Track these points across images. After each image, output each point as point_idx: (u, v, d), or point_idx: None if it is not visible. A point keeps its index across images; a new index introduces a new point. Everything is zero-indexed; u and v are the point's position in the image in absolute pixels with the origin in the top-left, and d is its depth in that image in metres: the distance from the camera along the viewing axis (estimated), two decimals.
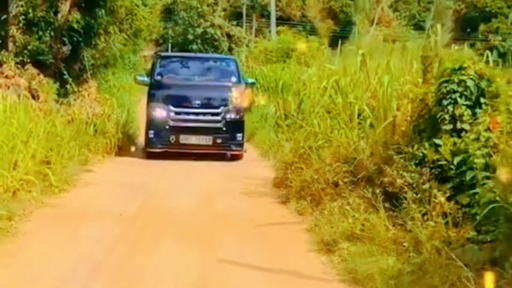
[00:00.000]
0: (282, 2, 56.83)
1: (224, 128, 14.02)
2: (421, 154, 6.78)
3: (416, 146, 6.90)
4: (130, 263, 6.16)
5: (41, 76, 12.77)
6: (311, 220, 7.62)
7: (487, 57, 8.46)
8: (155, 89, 14.59)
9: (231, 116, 14.11)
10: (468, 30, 52.75)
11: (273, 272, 5.96)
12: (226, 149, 14.15)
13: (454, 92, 6.71)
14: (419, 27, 69.19)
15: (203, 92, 14.48)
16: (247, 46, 38.00)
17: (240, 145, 14.21)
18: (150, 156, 13.79)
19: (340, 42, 18.20)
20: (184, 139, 13.90)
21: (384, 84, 8.43)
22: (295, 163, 9.34)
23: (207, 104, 14.22)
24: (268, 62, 27.79)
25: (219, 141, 13.95)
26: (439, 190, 6.32)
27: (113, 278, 5.68)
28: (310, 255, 6.57)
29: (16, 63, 12.63)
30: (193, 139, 13.95)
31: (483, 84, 6.70)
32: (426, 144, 6.78)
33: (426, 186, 6.47)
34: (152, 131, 13.99)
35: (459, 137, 6.55)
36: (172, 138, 13.86)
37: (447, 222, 6.00)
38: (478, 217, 5.76)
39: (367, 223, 6.59)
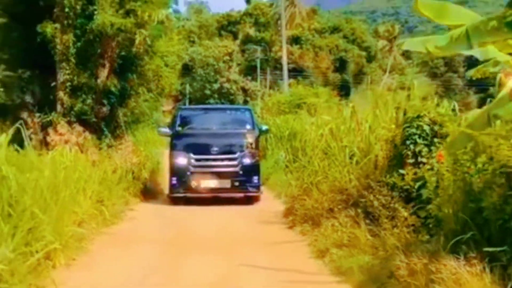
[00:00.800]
0: (295, 54, 59.64)
1: (241, 172, 14.98)
2: (391, 182, 9.02)
3: (388, 176, 9.16)
4: (173, 267, 8.41)
5: (86, 132, 15.23)
6: (312, 237, 9.83)
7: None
8: (176, 139, 15.65)
9: (247, 160, 15.08)
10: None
11: (280, 271, 8.14)
12: (243, 191, 15.16)
13: (414, 134, 8.99)
14: (432, 74, 71.89)
15: (221, 140, 15.49)
16: (261, 98, 40.61)
17: (257, 187, 15.22)
18: (174, 200, 15.11)
19: (352, 91, 20.54)
20: (205, 183, 14.95)
21: (367, 130, 10.72)
22: (300, 196, 11.60)
23: (224, 150, 15.20)
24: (281, 113, 30.00)
25: (237, 184, 14.96)
26: (404, 208, 8.55)
27: (161, 276, 7.94)
28: (309, 260, 8.79)
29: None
30: (213, 183, 14.99)
31: (436, 128, 8.98)
32: (395, 174, 9.03)
33: (395, 205, 8.70)
34: (174, 178, 15.07)
35: (419, 168, 8.79)
36: (193, 183, 14.90)
37: (412, 230, 8.19)
38: (430, 225, 7.96)
39: (352, 234, 8.80)
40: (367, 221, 8.95)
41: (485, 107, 7.28)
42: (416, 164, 8.88)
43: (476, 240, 6.09)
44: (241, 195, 15.29)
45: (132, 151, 15.92)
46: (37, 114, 15.62)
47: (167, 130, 16.68)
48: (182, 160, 15.10)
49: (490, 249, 5.65)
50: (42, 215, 7.53)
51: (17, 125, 9.44)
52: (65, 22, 15.38)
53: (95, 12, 15.30)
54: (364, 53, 66.76)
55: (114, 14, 15.34)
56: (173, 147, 15.64)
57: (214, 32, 62.24)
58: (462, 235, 6.18)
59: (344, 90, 50.04)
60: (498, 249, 5.63)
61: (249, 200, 15.22)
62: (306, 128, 16.06)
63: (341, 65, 61.19)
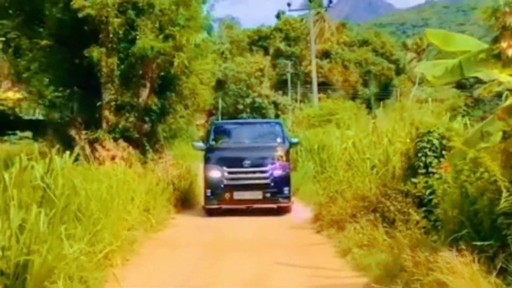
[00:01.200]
0: (325, 68, 60.96)
1: (272, 184, 15.63)
2: (406, 189, 10.22)
3: (403, 184, 10.35)
4: (214, 266, 9.69)
5: (130, 148, 16.62)
6: (336, 240, 11.04)
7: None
8: (210, 153, 16.42)
9: (277, 172, 15.67)
10: None
11: (308, 268, 9.39)
12: (274, 202, 15.82)
13: (425, 148, 10.18)
14: (460, 85, 72.43)
15: (252, 153, 16.15)
16: (292, 112, 41.91)
17: (287, 197, 15.80)
18: (209, 211, 15.89)
19: (382, 104, 21.63)
20: (237, 195, 15.62)
21: (386, 143, 11.95)
22: (326, 203, 12.81)
23: (256, 163, 15.82)
24: (311, 127, 31.28)
25: (268, 195, 15.61)
26: (416, 212, 9.74)
27: (204, 273, 9.23)
28: (334, 259, 10.01)
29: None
30: (245, 195, 15.64)
31: (444, 141, 10.16)
32: (409, 183, 10.22)
33: (409, 210, 9.89)
34: (209, 190, 15.84)
35: (429, 177, 9.97)
36: (227, 195, 15.64)
37: (424, 232, 9.35)
38: (438, 227, 9.13)
39: (371, 236, 10.00)
40: (385, 224, 10.14)
41: (480, 124, 8.44)
42: (427, 173, 10.07)
43: (471, 236, 7.26)
44: (273, 205, 15.96)
45: (172, 165, 17.26)
46: (84, 131, 17.09)
47: (201, 144, 17.48)
48: (216, 173, 15.86)
49: (479, 243, 6.83)
50: (104, 220, 8.87)
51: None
52: (110, 46, 16.85)
53: (137, 37, 16.73)
54: (393, 66, 67.79)
55: (154, 39, 16.73)
56: (207, 160, 16.36)
57: (245, 47, 63.76)
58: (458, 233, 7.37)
59: (373, 103, 51.13)
60: (486, 243, 6.80)
61: (280, 210, 15.90)
62: (333, 141, 17.23)
63: (369, 79, 62.27)
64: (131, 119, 17.39)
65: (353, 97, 55.72)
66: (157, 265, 9.70)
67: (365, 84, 64.60)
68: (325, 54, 65.91)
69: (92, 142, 16.73)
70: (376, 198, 10.83)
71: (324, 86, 60.40)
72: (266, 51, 65.02)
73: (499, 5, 7.31)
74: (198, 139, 27.08)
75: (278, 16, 71.67)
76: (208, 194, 15.89)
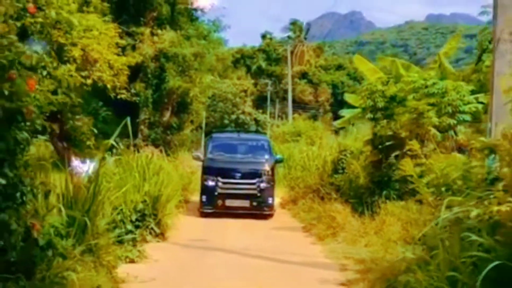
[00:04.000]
0: (297, 90, 69.77)
1: (258, 194, 18.26)
2: (331, 180, 18.81)
3: (330, 178, 18.93)
4: (219, 236, 18.06)
5: (156, 150, 25.06)
6: (292, 210, 19.51)
7: None
8: (207, 164, 19.03)
9: (263, 184, 18.36)
10: None
11: (275, 223, 17.75)
12: (259, 210, 18.31)
13: (343, 157, 18.77)
14: None
15: (243, 167, 18.77)
16: (270, 128, 50.46)
17: (271, 206, 18.52)
18: (203, 214, 18.34)
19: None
20: (229, 202, 18.22)
21: (324, 154, 20.65)
22: (288, 191, 21.35)
23: (246, 176, 18.42)
24: (285, 142, 39.58)
25: (254, 204, 18.24)
26: (336, 193, 18.37)
27: (216, 234, 17.70)
28: (290, 218, 18.44)
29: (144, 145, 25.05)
30: (235, 203, 18.22)
31: (351, 155, 18.83)
32: (334, 177, 18.79)
33: (331, 192, 18.49)
34: (204, 196, 18.37)
35: (344, 174, 18.56)
36: (220, 202, 18.22)
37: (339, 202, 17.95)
38: (340, 196, 17.76)
39: (310, 206, 18.45)
40: (319, 200, 18.61)
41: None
42: (343, 172, 18.59)
43: (349, 198, 15.84)
44: (258, 212, 18.37)
45: (187, 165, 25.76)
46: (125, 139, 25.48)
47: (199, 155, 20.63)
48: (211, 182, 18.33)
49: (351, 200, 15.42)
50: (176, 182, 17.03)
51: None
52: (147, 82, 25.41)
53: (166, 77, 25.28)
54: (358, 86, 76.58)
55: (178, 79, 25.28)
56: (204, 170, 18.91)
57: (230, 65, 72.24)
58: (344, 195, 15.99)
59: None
60: (354, 200, 15.39)
61: (264, 216, 18.41)
62: (296, 153, 25.88)
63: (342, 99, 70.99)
64: (158, 132, 25.87)
65: (324, 115, 64.30)
66: (192, 231, 17.98)
67: (338, 104, 73.38)
68: (303, 75, 74.83)
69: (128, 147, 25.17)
70: (316, 186, 19.38)
71: (300, 104, 69.27)
72: (248, 69, 73.62)
73: None
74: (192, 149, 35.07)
75: (263, 37, 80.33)
76: (204, 200, 18.43)
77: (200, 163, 19.87)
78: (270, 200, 18.42)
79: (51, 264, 6.94)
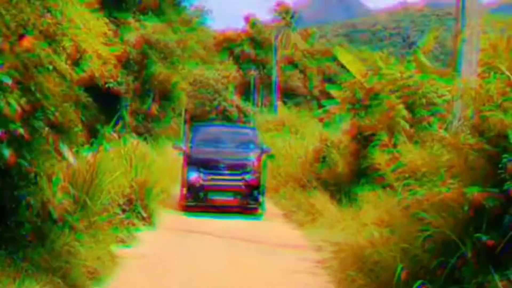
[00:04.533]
0: (286, 75, 71.42)
1: (243, 187, 18.21)
2: (312, 169, 20.57)
3: (312, 167, 20.69)
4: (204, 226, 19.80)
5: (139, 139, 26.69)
6: (275, 198, 21.27)
7: None
8: (189, 154, 18.88)
9: (249, 177, 18.32)
10: None
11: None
12: (244, 203, 18.32)
13: (326, 148, 20.54)
14: None
15: (227, 158, 18.71)
16: (254, 116, 51.94)
17: (257, 200, 18.43)
18: (184, 208, 18.36)
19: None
20: (212, 195, 18.17)
21: (306, 144, 22.41)
22: (271, 180, 23.11)
23: (230, 167, 18.42)
24: (269, 131, 41.06)
25: (239, 197, 18.25)
26: (316, 182, 20.13)
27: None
28: (271, 206, 20.22)
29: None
30: (219, 196, 18.21)
31: (333, 145, 20.62)
32: (315, 165, 20.55)
33: (313, 180, 20.26)
34: (185, 189, 18.31)
35: (324, 163, 20.34)
36: (202, 195, 18.15)
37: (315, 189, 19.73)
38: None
39: (291, 194, 20.19)
40: (300, 188, 20.34)
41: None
42: (324, 161, 20.33)
43: (327, 186, 17.59)
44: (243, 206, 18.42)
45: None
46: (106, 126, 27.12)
47: (181, 145, 20.58)
48: (193, 174, 18.26)
49: (331, 188, 17.19)
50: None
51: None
52: (129, 69, 26.97)
53: (148, 63, 26.86)
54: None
55: (160, 65, 26.88)
56: (186, 161, 18.85)
57: (212, 51, 73.64)
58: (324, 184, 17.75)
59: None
60: (333, 188, 17.16)
61: (250, 210, 18.53)
62: (279, 142, 27.65)
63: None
64: (141, 120, 27.48)
65: (312, 101, 65.98)
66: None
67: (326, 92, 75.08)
68: (290, 61, 76.54)
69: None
70: (297, 175, 21.15)
71: (287, 91, 70.97)
72: (231, 53, 75.06)
73: None
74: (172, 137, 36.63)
75: (247, 20, 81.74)
76: (184, 192, 18.43)
77: (181, 154, 19.80)
78: (256, 193, 18.38)
79: (60, 236, 8.63)
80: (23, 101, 6.47)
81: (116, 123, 26.99)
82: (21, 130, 6.52)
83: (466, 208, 7.53)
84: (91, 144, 13.82)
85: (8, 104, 6.07)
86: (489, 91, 7.87)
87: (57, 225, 8.43)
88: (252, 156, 18.95)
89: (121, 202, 14.32)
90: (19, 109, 6.26)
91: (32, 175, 8.27)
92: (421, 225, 8.34)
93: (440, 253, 7.82)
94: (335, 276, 10.38)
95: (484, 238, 7.16)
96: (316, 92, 72.27)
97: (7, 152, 6.41)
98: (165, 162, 23.83)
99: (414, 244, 8.31)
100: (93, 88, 27.32)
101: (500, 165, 7.13)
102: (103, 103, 28.11)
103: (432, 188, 8.40)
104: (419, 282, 7.49)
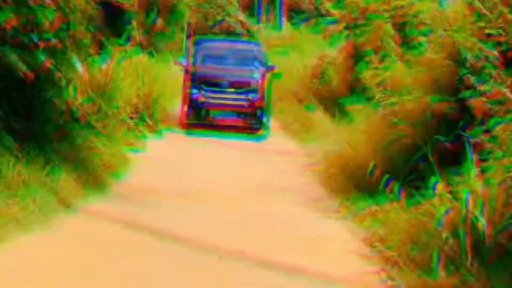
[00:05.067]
0: None
1: (247, 106, 17.87)
2: (312, 85, 22.04)
3: (311, 82, 22.16)
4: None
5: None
6: (279, 117, 22.74)
7: None
8: (190, 71, 18.44)
9: (253, 96, 17.96)
10: None
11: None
12: (248, 123, 18.03)
13: (321, 66, 21.94)
14: None
15: (231, 75, 18.23)
16: (258, 32, 52.68)
17: (261, 119, 18.19)
18: (187, 126, 18.10)
19: None
20: (214, 114, 17.89)
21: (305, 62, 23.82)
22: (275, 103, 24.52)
23: (233, 85, 17.99)
24: (272, 47, 41.63)
25: (242, 117, 17.99)
26: (314, 97, 21.62)
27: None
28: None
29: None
30: (222, 115, 17.92)
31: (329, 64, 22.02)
32: (312, 81, 21.98)
33: (310, 95, 21.75)
34: (187, 107, 18.05)
35: (322, 78, 21.78)
36: (204, 113, 17.92)
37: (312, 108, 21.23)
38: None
39: (290, 108, 21.71)
40: (298, 103, 21.78)
41: None
42: (322, 78, 21.65)
43: (324, 98, 19.12)
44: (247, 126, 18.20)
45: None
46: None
47: (182, 61, 19.99)
48: (195, 91, 17.94)
49: (325, 102, 18.71)
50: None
51: None
52: None
53: None
54: None
55: None
56: (187, 78, 18.46)
57: None
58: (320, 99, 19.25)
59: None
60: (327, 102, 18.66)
61: (253, 129, 18.32)
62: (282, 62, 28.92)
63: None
64: (144, 34, 28.66)
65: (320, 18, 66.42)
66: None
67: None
68: None
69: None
70: (295, 89, 22.59)
71: (292, 8, 71.06)
72: None
73: None
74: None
75: None
76: (186, 110, 18.19)
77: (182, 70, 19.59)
78: (260, 113, 18.17)
79: (81, 133, 10.25)
80: (56, 15, 7.92)
81: (128, 38, 28.38)
82: (54, 40, 7.99)
83: (429, 115, 9.10)
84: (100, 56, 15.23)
85: (46, 18, 7.50)
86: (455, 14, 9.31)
87: (78, 123, 9.98)
88: (257, 74, 18.50)
89: (128, 110, 15.81)
90: (55, 22, 7.70)
91: (58, 79, 9.78)
92: (394, 131, 9.92)
93: (408, 154, 9.43)
94: (320, 175, 12.08)
95: (442, 139, 8.73)
96: (322, 9, 72.56)
97: (43, 58, 7.89)
98: (169, 76, 25.22)
99: (387, 147, 9.92)
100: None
101: (457, 78, 8.65)
102: (108, 17, 29.32)
103: (403, 99, 9.95)
104: (386, 176, 9.10)
